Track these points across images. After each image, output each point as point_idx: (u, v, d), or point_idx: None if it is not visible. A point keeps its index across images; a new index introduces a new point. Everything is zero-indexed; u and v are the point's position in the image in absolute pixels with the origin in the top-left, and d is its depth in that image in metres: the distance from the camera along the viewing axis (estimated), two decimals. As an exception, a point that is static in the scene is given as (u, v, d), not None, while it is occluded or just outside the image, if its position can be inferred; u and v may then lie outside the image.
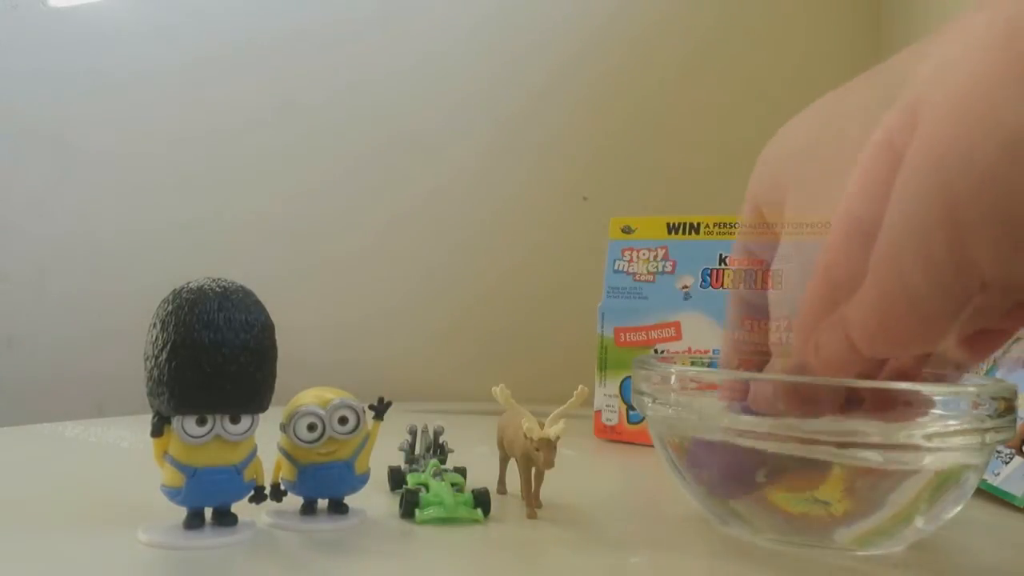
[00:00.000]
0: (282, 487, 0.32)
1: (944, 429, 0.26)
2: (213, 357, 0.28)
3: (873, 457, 0.27)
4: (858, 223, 0.27)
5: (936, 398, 0.27)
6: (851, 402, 0.27)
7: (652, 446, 0.35)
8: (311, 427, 0.31)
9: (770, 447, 0.28)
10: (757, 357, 0.32)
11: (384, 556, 0.29)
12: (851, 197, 0.27)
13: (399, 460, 0.40)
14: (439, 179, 0.86)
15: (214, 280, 0.30)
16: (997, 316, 0.26)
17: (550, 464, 0.32)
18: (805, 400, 0.27)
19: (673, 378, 0.31)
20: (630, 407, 0.56)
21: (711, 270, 0.56)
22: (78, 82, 0.87)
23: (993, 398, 0.27)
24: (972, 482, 0.29)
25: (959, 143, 0.21)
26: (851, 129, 0.27)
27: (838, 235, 0.28)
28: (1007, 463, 0.39)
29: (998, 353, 0.46)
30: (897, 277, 0.23)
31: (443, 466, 0.38)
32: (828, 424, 0.26)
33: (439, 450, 0.41)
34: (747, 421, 0.28)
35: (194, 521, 0.30)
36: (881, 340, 0.24)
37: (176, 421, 0.28)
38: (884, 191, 0.24)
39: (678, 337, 0.55)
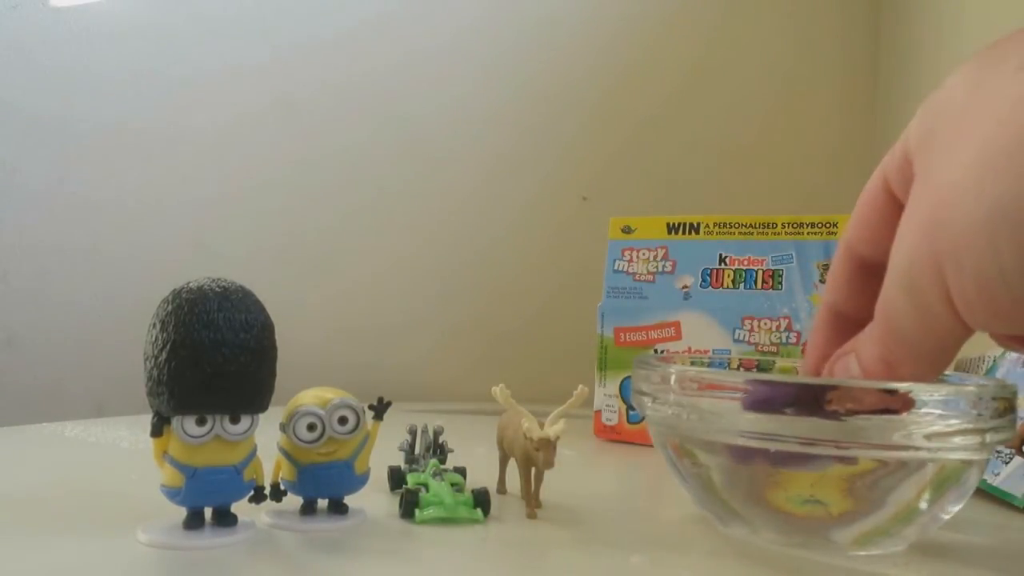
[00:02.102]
0: (282, 487, 0.32)
1: (944, 429, 0.26)
2: (213, 357, 0.28)
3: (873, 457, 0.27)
4: (860, 259, 0.29)
5: (936, 398, 0.27)
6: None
7: (652, 446, 0.35)
8: (311, 427, 0.31)
9: (770, 447, 0.28)
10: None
11: (384, 556, 0.29)
12: (851, 227, 0.29)
13: (399, 460, 0.40)
14: (439, 181, 0.86)
15: (214, 280, 0.30)
16: None
17: (550, 464, 0.32)
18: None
19: (673, 378, 0.31)
20: (630, 407, 0.56)
21: (711, 270, 0.56)
22: (78, 82, 0.87)
23: (993, 398, 0.27)
24: (972, 482, 0.29)
25: (948, 210, 0.22)
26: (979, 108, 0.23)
27: (836, 262, 0.30)
28: (1007, 463, 0.39)
29: (998, 353, 0.46)
30: (894, 325, 0.25)
31: (443, 466, 0.38)
32: (828, 424, 0.26)
33: (439, 450, 0.41)
34: (748, 421, 0.28)
35: (194, 521, 0.30)
36: (887, 377, 0.26)
37: (176, 421, 0.28)
38: (878, 228, 0.27)
39: (678, 337, 0.55)
